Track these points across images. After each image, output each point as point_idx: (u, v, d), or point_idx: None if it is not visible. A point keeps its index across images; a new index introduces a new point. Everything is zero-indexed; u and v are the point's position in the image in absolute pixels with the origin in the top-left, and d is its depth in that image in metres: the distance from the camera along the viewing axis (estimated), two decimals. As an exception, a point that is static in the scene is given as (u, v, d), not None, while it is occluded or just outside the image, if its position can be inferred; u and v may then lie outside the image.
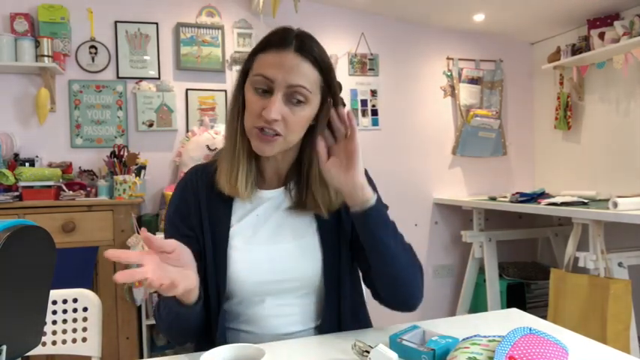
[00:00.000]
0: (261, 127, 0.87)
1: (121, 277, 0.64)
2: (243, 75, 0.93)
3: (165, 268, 0.74)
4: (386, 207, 0.95)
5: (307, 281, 0.96)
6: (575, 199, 2.43)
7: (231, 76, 2.89)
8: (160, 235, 1.01)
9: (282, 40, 0.87)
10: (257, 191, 0.97)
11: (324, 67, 0.90)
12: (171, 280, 0.70)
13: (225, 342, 0.85)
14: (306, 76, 0.87)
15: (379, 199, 0.92)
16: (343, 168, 0.88)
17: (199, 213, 0.96)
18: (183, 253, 0.78)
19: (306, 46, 0.88)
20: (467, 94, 3.32)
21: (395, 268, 0.90)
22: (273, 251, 0.95)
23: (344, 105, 0.96)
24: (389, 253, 0.89)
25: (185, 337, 0.93)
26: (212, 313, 0.93)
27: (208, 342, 0.90)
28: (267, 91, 0.87)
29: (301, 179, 0.98)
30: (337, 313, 0.96)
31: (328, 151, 0.91)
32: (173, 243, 0.75)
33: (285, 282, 0.95)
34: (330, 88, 0.93)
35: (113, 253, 0.66)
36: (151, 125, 2.76)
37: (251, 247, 0.95)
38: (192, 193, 0.97)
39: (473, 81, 3.34)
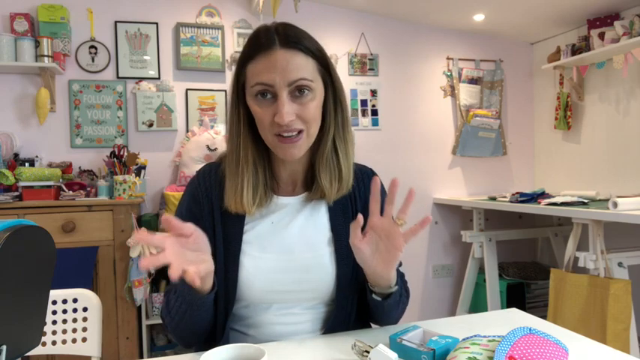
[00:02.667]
0: (280, 133, 0.85)
1: (145, 263, 0.66)
2: (239, 88, 0.91)
3: (184, 252, 0.74)
4: (402, 275, 0.96)
5: (318, 293, 0.94)
6: (575, 199, 2.43)
7: (231, 76, 2.88)
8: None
9: (265, 41, 0.85)
10: (272, 197, 0.95)
11: (314, 50, 0.88)
12: (190, 263, 0.73)
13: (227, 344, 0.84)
14: (302, 66, 0.85)
15: (399, 275, 0.93)
16: (381, 258, 0.84)
17: (212, 214, 0.94)
18: (200, 237, 0.78)
19: (290, 37, 0.85)
20: (467, 94, 3.32)
21: (383, 321, 0.97)
22: (286, 261, 0.92)
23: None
24: (387, 317, 0.94)
25: (193, 335, 0.91)
26: (219, 316, 0.92)
27: (212, 343, 0.89)
28: (271, 96, 0.85)
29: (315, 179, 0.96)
30: (346, 323, 0.95)
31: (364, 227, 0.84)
32: (191, 226, 0.76)
33: (295, 292, 0.93)
34: (327, 68, 0.91)
35: (140, 236, 0.70)
36: (150, 125, 2.75)
37: (264, 255, 0.92)
38: (205, 192, 0.95)
39: (473, 81, 3.34)
